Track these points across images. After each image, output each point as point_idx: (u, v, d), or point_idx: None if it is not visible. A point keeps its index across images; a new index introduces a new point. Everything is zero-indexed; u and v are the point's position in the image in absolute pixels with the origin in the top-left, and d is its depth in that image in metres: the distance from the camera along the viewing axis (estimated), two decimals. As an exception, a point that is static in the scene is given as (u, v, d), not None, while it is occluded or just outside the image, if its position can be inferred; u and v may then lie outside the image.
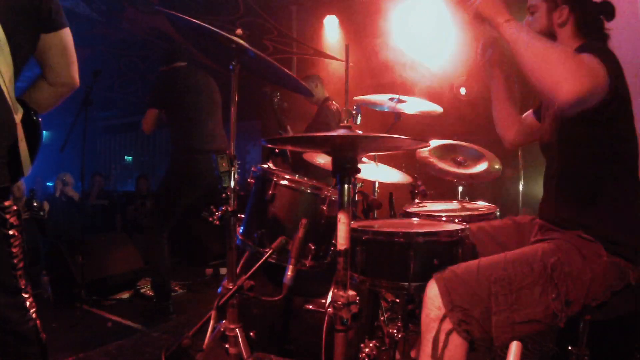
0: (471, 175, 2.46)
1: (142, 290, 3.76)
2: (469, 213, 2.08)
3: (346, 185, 1.24)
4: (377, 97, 2.53)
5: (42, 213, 4.92)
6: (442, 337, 1.25)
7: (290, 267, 1.60)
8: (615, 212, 1.41)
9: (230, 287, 1.63)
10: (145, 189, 6.57)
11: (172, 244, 3.32)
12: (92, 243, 3.80)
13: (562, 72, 1.21)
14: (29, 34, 1.43)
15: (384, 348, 1.80)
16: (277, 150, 3.32)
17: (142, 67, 7.32)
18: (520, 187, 4.36)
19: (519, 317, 1.27)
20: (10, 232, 1.37)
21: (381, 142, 1.33)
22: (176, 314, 3.26)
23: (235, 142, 1.68)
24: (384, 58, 4.82)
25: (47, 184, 8.38)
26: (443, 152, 2.59)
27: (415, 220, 1.88)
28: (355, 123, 2.04)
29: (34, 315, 1.44)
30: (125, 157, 10.60)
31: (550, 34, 1.54)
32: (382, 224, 1.72)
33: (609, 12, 1.51)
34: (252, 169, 1.92)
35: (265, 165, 1.90)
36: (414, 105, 2.51)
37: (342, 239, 1.21)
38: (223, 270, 4.40)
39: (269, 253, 1.63)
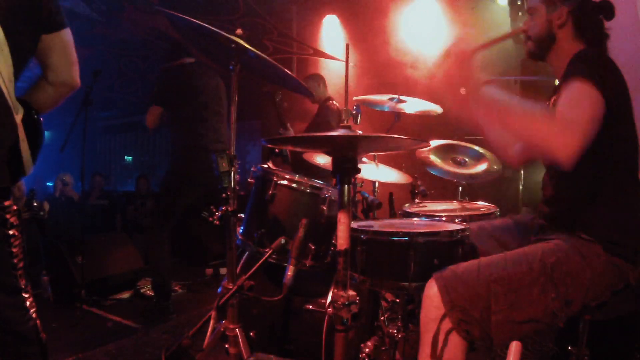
0: (471, 175, 2.46)
1: (142, 290, 3.76)
2: (469, 213, 2.09)
3: (346, 185, 1.24)
4: (377, 97, 2.54)
5: (42, 213, 4.91)
6: (441, 336, 1.25)
7: (290, 267, 1.60)
8: (615, 213, 1.41)
9: (230, 287, 1.63)
10: (145, 189, 6.56)
11: (172, 244, 3.32)
12: (92, 243, 3.80)
13: (552, 142, 1.21)
14: (29, 34, 1.43)
15: (384, 348, 1.80)
16: (277, 150, 3.32)
17: (142, 67, 7.31)
18: (520, 187, 4.36)
19: (518, 316, 1.27)
20: (11, 232, 1.37)
21: (381, 142, 1.33)
22: (176, 314, 3.26)
23: (235, 142, 1.68)
24: (384, 58, 4.82)
25: (47, 184, 8.38)
26: (443, 152, 2.59)
27: (415, 220, 1.88)
28: (356, 123, 2.04)
29: (34, 315, 1.44)
30: (125, 157, 10.59)
31: (550, 36, 1.54)
32: (382, 224, 1.72)
33: (609, 12, 1.52)
34: (252, 169, 1.92)
35: (265, 165, 1.90)
36: (414, 105, 2.51)
37: (342, 239, 1.21)
38: (223, 270, 4.40)
39: (268, 253, 1.63)
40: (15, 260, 1.38)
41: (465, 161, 2.55)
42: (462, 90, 1.49)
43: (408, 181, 2.60)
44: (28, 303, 1.43)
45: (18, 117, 1.37)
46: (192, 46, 3.29)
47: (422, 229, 1.59)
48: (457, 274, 1.31)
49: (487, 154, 2.56)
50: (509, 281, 1.29)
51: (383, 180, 2.61)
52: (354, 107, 2.15)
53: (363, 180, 2.83)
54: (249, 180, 1.90)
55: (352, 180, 1.27)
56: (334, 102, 4.03)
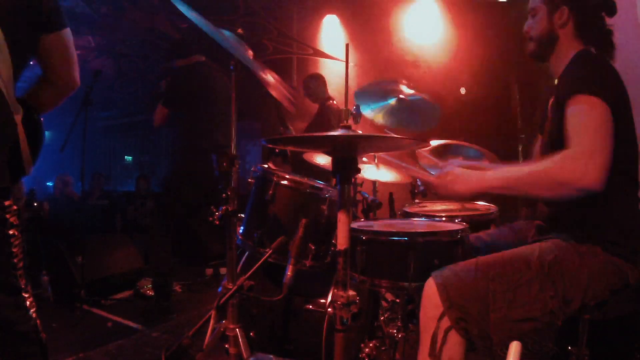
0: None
1: (142, 290, 3.76)
2: (469, 213, 2.08)
3: (346, 185, 1.24)
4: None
5: (42, 213, 4.92)
6: (440, 335, 1.26)
7: (290, 267, 1.60)
8: (614, 213, 1.41)
9: (230, 287, 1.63)
10: (145, 189, 6.56)
11: (172, 244, 3.33)
12: (92, 243, 3.79)
13: (578, 181, 1.23)
14: (29, 34, 1.43)
15: (384, 348, 1.80)
16: (277, 150, 3.32)
17: (142, 67, 7.31)
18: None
19: (517, 314, 1.27)
20: (11, 232, 1.37)
21: (381, 142, 1.33)
22: (176, 314, 3.26)
23: (235, 142, 1.68)
24: (385, 57, 4.82)
25: (47, 184, 8.38)
26: (443, 152, 2.59)
27: (415, 220, 1.88)
28: (356, 123, 2.04)
29: (34, 315, 1.44)
30: (125, 157, 10.59)
31: (551, 36, 1.54)
32: (382, 224, 1.72)
33: (610, 8, 1.52)
34: (252, 169, 1.92)
35: (265, 165, 1.90)
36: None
37: (342, 239, 1.21)
38: (223, 270, 4.40)
39: (269, 253, 1.63)
40: (15, 260, 1.38)
41: (466, 161, 2.54)
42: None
43: (408, 181, 2.60)
44: (28, 303, 1.43)
45: (18, 117, 1.37)
46: (192, 46, 3.29)
47: (422, 229, 1.59)
48: (456, 272, 1.32)
49: (487, 153, 2.56)
50: (507, 280, 1.29)
51: (383, 180, 2.61)
52: (354, 107, 2.15)
53: (363, 181, 2.83)
54: (249, 180, 1.90)
55: (352, 180, 1.27)
56: (334, 102, 4.03)
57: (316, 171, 2.59)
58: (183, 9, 1.44)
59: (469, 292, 1.27)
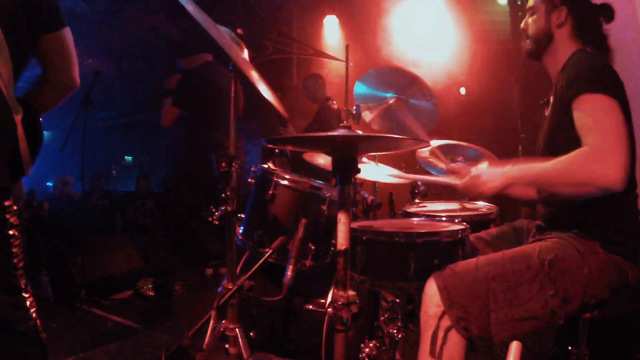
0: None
1: (142, 290, 3.76)
2: (469, 213, 2.08)
3: (346, 185, 1.24)
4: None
5: (42, 213, 4.91)
6: (440, 334, 1.26)
7: (290, 267, 1.60)
8: (613, 213, 1.41)
9: (230, 287, 1.63)
10: (145, 189, 6.56)
11: (172, 244, 3.33)
12: (92, 243, 3.79)
13: (598, 179, 1.25)
14: (29, 34, 1.43)
15: (384, 348, 1.80)
16: (277, 150, 3.32)
17: (142, 67, 7.32)
18: (520, 187, 4.35)
19: (517, 314, 1.27)
20: (11, 232, 1.36)
21: (381, 142, 1.34)
22: (176, 313, 3.26)
23: (235, 142, 1.68)
24: (384, 58, 4.82)
25: (47, 184, 8.38)
26: (443, 152, 2.59)
27: (415, 220, 1.88)
28: (356, 123, 2.04)
29: (34, 315, 1.44)
30: (125, 157, 10.59)
31: (548, 35, 1.55)
32: (382, 224, 1.72)
33: (608, 14, 1.52)
34: (252, 169, 1.92)
35: (265, 165, 1.90)
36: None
37: (342, 239, 1.21)
38: (223, 270, 4.40)
39: (269, 253, 1.63)
40: (15, 260, 1.38)
41: (465, 161, 2.54)
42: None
43: (408, 181, 2.60)
44: (28, 303, 1.43)
45: (18, 117, 1.37)
46: (192, 46, 3.29)
47: (422, 229, 1.59)
48: (456, 272, 1.32)
49: (487, 154, 2.56)
50: (507, 279, 1.29)
51: (383, 180, 2.61)
52: (354, 107, 2.15)
53: (363, 181, 2.83)
54: (249, 180, 1.90)
55: (352, 180, 1.27)
56: (334, 102, 4.03)
57: (315, 171, 2.59)
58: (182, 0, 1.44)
59: (469, 292, 1.28)
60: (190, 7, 1.45)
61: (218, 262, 4.53)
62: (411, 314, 1.88)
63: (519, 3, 3.99)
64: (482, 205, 2.36)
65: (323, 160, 2.47)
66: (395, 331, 1.80)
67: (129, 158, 10.56)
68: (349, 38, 5.54)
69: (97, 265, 3.63)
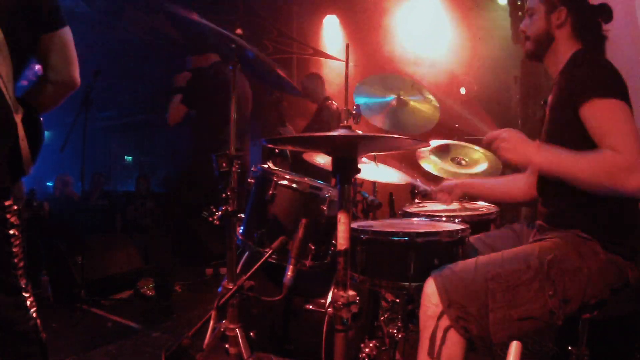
0: (471, 175, 2.46)
1: (142, 290, 3.76)
2: (469, 213, 2.08)
3: (346, 185, 1.24)
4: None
5: (42, 213, 4.91)
6: (439, 334, 1.26)
7: (290, 267, 1.60)
8: (613, 212, 1.41)
9: (230, 287, 1.63)
10: (145, 189, 6.56)
11: (172, 244, 3.33)
12: (92, 243, 3.79)
13: (622, 183, 1.25)
14: (29, 34, 1.43)
15: (384, 348, 1.80)
16: (277, 150, 3.32)
17: (142, 67, 7.31)
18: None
19: (516, 314, 1.27)
20: (11, 232, 1.37)
21: (381, 142, 1.34)
22: (176, 314, 3.26)
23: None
24: (385, 57, 4.82)
25: (47, 184, 8.38)
26: (443, 152, 2.59)
27: (415, 220, 1.88)
28: (356, 123, 2.04)
29: (34, 315, 1.44)
30: (125, 157, 10.59)
31: (548, 36, 1.55)
32: (382, 224, 1.72)
33: (606, 15, 1.53)
34: (252, 169, 1.92)
35: (265, 165, 1.90)
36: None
37: (342, 239, 1.21)
38: (223, 270, 4.40)
39: (269, 253, 1.63)
40: (15, 260, 1.38)
41: (465, 161, 2.55)
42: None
43: (407, 182, 2.60)
44: (28, 303, 1.43)
45: (18, 117, 1.37)
46: (191, 46, 3.29)
47: (422, 229, 1.59)
48: (455, 272, 1.32)
49: (487, 154, 2.56)
50: (506, 279, 1.29)
51: (383, 180, 2.61)
52: (354, 107, 2.15)
53: (363, 181, 2.83)
54: (249, 180, 1.90)
55: (352, 180, 1.27)
56: (333, 102, 4.03)
57: (315, 171, 2.59)
58: None
59: (468, 292, 1.27)
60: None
61: (218, 262, 4.52)
62: (411, 314, 1.88)
63: (519, 3, 3.98)
64: (482, 205, 2.36)
65: (323, 160, 2.47)
66: (395, 331, 1.80)
67: (129, 158, 10.56)
68: (349, 38, 5.54)
69: (97, 265, 3.63)
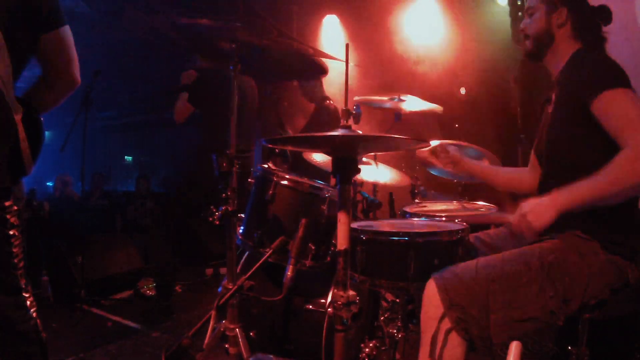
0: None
1: (142, 290, 3.76)
2: (469, 213, 2.08)
3: (346, 186, 1.24)
4: (377, 97, 2.54)
5: (42, 213, 4.91)
6: (440, 336, 1.26)
7: (290, 267, 1.60)
8: (612, 212, 1.41)
9: (230, 287, 1.63)
10: (145, 189, 6.56)
11: (172, 244, 3.33)
12: (92, 243, 3.79)
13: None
14: (29, 34, 1.42)
15: (384, 348, 1.80)
16: (277, 150, 3.32)
17: (142, 67, 7.31)
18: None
19: (517, 315, 1.27)
20: (11, 232, 1.37)
21: (381, 142, 1.34)
22: (176, 314, 3.26)
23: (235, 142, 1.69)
24: (385, 57, 4.82)
25: (47, 184, 8.38)
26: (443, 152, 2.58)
27: (415, 220, 1.88)
28: (356, 123, 2.05)
29: (34, 315, 1.44)
30: (125, 157, 10.59)
31: (548, 35, 1.55)
32: (382, 224, 1.72)
33: (606, 17, 1.54)
34: (252, 169, 1.92)
35: (265, 165, 1.90)
36: (414, 105, 2.51)
37: (342, 239, 1.21)
38: (223, 270, 4.40)
39: (269, 253, 1.63)
40: (15, 260, 1.38)
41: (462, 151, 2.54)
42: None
43: (408, 183, 2.60)
44: (28, 302, 1.43)
45: (18, 117, 1.37)
46: (191, 46, 3.28)
47: (422, 229, 1.59)
48: (456, 273, 1.32)
49: (487, 153, 2.56)
50: (506, 280, 1.29)
51: (383, 180, 2.61)
52: (354, 107, 2.15)
53: (363, 181, 2.83)
54: (249, 180, 1.90)
55: (352, 180, 1.27)
56: (331, 102, 4.03)
57: (315, 171, 2.60)
58: None
59: (469, 293, 1.27)
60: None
61: (218, 262, 4.52)
62: (411, 314, 1.87)
63: (519, 3, 3.98)
64: (482, 205, 2.36)
65: (323, 160, 2.47)
66: (395, 331, 1.80)
67: (129, 158, 10.56)
68: (349, 38, 5.54)
69: (97, 265, 3.63)
